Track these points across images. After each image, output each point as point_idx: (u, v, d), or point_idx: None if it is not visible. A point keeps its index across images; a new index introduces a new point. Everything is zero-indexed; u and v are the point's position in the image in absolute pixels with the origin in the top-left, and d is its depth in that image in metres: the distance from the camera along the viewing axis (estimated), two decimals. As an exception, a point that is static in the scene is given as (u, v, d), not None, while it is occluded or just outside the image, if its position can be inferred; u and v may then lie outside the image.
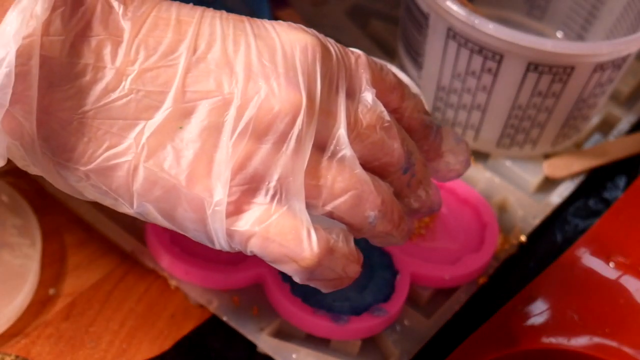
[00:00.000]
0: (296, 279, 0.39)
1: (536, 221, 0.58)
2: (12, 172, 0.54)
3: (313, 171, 0.37)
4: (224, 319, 0.49)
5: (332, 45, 0.39)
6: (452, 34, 0.54)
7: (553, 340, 0.49)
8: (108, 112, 0.35)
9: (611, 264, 0.53)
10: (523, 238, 0.56)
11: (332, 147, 0.38)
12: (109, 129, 0.35)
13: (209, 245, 0.38)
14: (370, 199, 0.39)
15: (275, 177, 0.36)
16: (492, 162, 0.61)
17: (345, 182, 0.38)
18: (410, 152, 0.41)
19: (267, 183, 0.36)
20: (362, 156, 0.39)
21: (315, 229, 0.37)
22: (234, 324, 0.49)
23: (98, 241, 0.52)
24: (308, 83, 0.37)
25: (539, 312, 0.50)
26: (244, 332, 0.49)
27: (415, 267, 0.51)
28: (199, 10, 0.37)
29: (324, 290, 0.40)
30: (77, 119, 0.35)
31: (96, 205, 0.53)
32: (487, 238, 0.54)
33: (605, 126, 0.65)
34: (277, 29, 0.38)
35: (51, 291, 0.50)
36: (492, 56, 0.53)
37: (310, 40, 0.38)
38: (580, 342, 0.49)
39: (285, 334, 0.50)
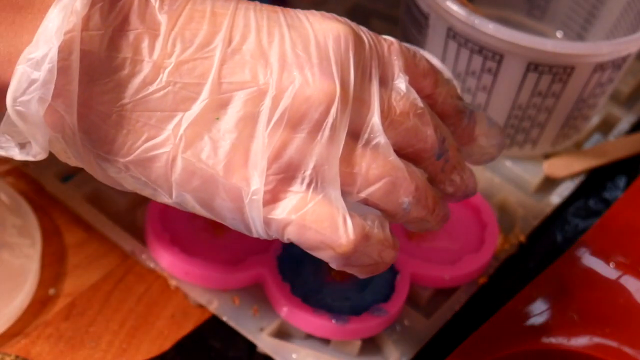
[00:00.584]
0: (333, 265, 0.39)
1: (536, 221, 0.58)
2: (13, 173, 0.54)
3: (347, 159, 0.38)
4: (224, 319, 0.49)
5: (364, 33, 0.40)
6: (452, 34, 0.54)
7: (553, 340, 0.49)
8: (146, 104, 0.36)
9: (611, 264, 0.53)
10: (523, 238, 0.56)
11: (366, 135, 0.39)
12: (148, 121, 0.36)
13: (247, 233, 0.39)
14: (404, 185, 0.39)
15: (311, 165, 0.37)
16: (492, 162, 0.61)
17: (380, 169, 0.38)
18: (444, 138, 0.41)
19: (302, 171, 0.37)
20: (396, 143, 0.39)
21: (351, 216, 0.38)
22: (234, 324, 0.49)
23: (98, 241, 0.52)
24: (341, 72, 0.37)
25: (539, 312, 0.50)
26: (244, 332, 0.49)
27: (415, 267, 0.51)
28: (233, 2, 0.38)
29: (360, 276, 0.40)
30: (116, 112, 0.36)
31: (96, 206, 0.53)
32: (487, 238, 0.54)
33: (605, 126, 0.65)
34: (310, 18, 0.38)
35: (51, 291, 0.50)
36: (492, 56, 0.53)
37: (343, 30, 0.38)
38: (580, 342, 0.49)
39: (285, 334, 0.50)
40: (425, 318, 0.51)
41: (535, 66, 0.53)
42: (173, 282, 0.50)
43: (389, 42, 0.40)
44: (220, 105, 0.36)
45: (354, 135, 0.38)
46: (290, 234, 0.38)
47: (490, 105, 0.57)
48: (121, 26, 0.35)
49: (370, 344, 0.50)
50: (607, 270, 0.53)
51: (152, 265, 0.51)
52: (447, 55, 0.56)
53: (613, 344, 0.49)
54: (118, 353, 0.48)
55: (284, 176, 0.37)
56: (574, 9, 0.65)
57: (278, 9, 0.39)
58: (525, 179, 0.60)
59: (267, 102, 0.36)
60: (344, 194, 0.38)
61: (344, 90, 0.37)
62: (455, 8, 0.52)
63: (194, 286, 0.50)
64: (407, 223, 0.42)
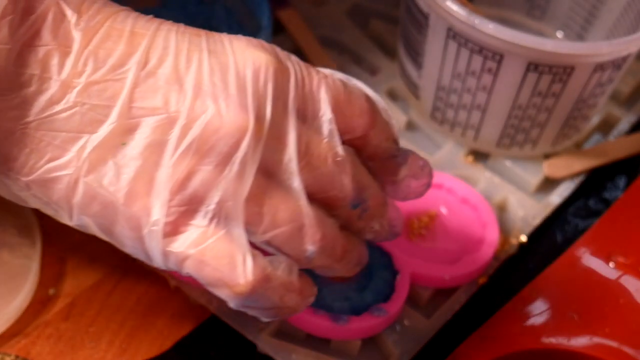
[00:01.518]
0: (231, 305, 0.38)
1: (536, 221, 0.58)
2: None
3: (256, 197, 0.36)
4: (224, 319, 0.49)
5: (293, 64, 0.38)
6: (452, 34, 0.54)
7: (553, 340, 0.49)
8: (51, 124, 0.35)
9: (611, 264, 0.53)
10: (523, 238, 0.56)
11: (279, 175, 0.37)
12: (52, 141, 0.35)
13: (148, 262, 0.38)
14: (310, 233, 0.38)
15: (215, 199, 0.36)
16: (492, 162, 0.61)
17: (287, 212, 0.37)
18: (363, 188, 0.40)
19: (206, 205, 0.36)
20: (309, 186, 0.38)
21: (253, 256, 0.37)
22: (233, 324, 0.49)
23: (98, 241, 0.52)
24: (257, 106, 0.36)
25: (539, 312, 0.50)
26: (244, 332, 0.49)
27: (415, 267, 0.51)
28: (156, 22, 0.37)
29: (262, 319, 0.39)
30: (20, 129, 0.34)
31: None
32: (487, 238, 0.54)
33: (605, 126, 0.65)
34: (234, 45, 0.37)
35: (51, 291, 0.50)
36: (492, 56, 0.53)
37: (265, 60, 0.36)
38: (580, 342, 0.49)
39: (285, 334, 0.50)
40: (425, 318, 0.51)
41: (535, 66, 0.53)
42: (173, 282, 0.50)
43: (321, 77, 0.38)
44: (127, 130, 0.35)
45: (267, 172, 0.37)
46: (189, 269, 0.37)
47: (490, 105, 0.57)
48: (31, 41, 0.34)
49: (370, 344, 0.50)
50: (607, 270, 0.53)
51: (152, 265, 0.51)
52: (447, 55, 0.56)
53: (613, 344, 0.49)
54: (118, 353, 0.48)
55: (187, 208, 0.36)
56: (574, 9, 0.65)
57: (202, 32, 0.37)
58: (525, 179, 0.60)
59: (176, 131, 0.35)
60: (248, 232, 0.37)
61: (258, 125, 0.36)
62: (455, 8, 0.52)
63: (194, 286, 0.50)
64: (312, 269, 0.40)
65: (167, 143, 0.35)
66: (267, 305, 0.38)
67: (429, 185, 0.44)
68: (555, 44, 0.52)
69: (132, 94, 0.35)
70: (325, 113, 0.38)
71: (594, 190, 0.61)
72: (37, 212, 0.51)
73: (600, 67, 0.54)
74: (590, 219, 0.59)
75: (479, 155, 0.61)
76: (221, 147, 0.35)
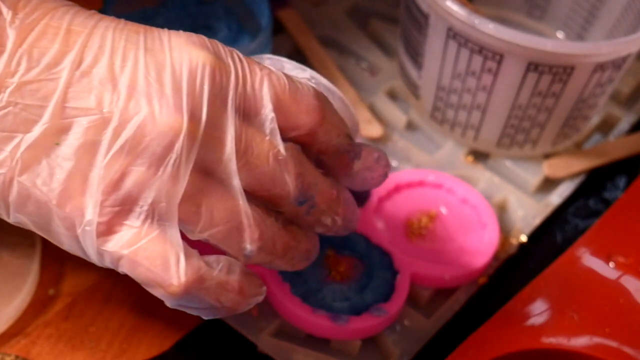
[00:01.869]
0: (167, 304, 0.38)
1: (536, 221, 0.58)
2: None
3: (193, 196, 0.36)
4: (224, 318, 0.49)
5: (234, 62, 0.37)
6: (452, 34, 0.54)
7: (553, 340, 0.49)
8: None
9: (611, 264, 0.53)
10: (523, 238, 0.56)
11: (217, 174, 0.37)
12: None
13: (86, 259, 0.38)
14: (248, 232, 0.38)
15: (149, 200, 0.36)
16: (492, 162, 0.61)
17: (224, 212, 0.37)
18: (309, 186, 0.39)
19: (139, 206, 0.36)
20: (249, 184, 0.38)
21: (189, 256, 0.37)
22: (233, 324, 0.49)
23: (98, 241, 0.52)
24: (192, 106, 0.36)
25: (539, 312, 0.50)
26: (244, 332, 0.49)
27: (415, 267, 0.51)
28: (94, 19, 0.36)
29: (203, 317, 0.39)
30: None
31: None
32: (487, 238, 0.54)
33: (605, 126, 0.65)
34: (172, 42, 0.36)
35: (51, 291, 0.50)
36: (492, 56, 0.53)
37: (203, 59, 0.36)
38: (580, 342, 0.49)
39: (285, 334, 0.50)
40: (425, 318, 0.51)
41: (535, 66, 0.53)
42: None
43: (264, 73, 0.38)
44: (61, 130, 0.35)
45: (206, 171, 0.37)
46: (123, 268, 0.37)
47: (490, 105, 0.57)
48: None
49: (370, 344, 0.50)
50: (607, 270, 0.53)
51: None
52: (447, 55, 0.56)
53: (613, 343, 0.49)
54: (118, 353, 0.48)
55: (121, 209, 0.36)
56: (574, 9, 0.65)
57: (142, 29, 0.37)
58: (525, 179, 0.60)
59: (109, 132, 0.35)
60: (185, 230, 0.37)
61: (192, 125, 0.35)
62: (455, 8, 0.52)
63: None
64: (254, 264, 0.40)
65: (100, 144, 0.35)
66: (202, 305, 0.38)
67: (385, 175, 0.43)
68: (555, 44, 0.52)
69: (66, 94, 0.35)
70: (267, 111, 0.37)
71: (594, 190, 0.61)
72: (37, 212, 0.51)
73: (600, 67, 0.54)
74: (590, 219, 0.59)
75: (479, 155, 0.61)
76: (154, 148, 0.35)
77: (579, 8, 0.64)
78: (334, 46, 0.66)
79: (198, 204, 0.37)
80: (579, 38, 0.65)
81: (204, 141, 0.36)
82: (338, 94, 0.42)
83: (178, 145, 0.35)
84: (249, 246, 0.38)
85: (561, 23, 0.66)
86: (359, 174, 0.42)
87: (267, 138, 0.38)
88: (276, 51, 0.43)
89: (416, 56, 0.59)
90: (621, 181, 0.61)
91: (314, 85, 0.40)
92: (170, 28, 0.58)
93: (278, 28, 0.65)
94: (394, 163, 0.59)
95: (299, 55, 0.64)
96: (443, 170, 0.58)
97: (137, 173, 0.35)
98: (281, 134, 0.38)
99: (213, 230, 0.37)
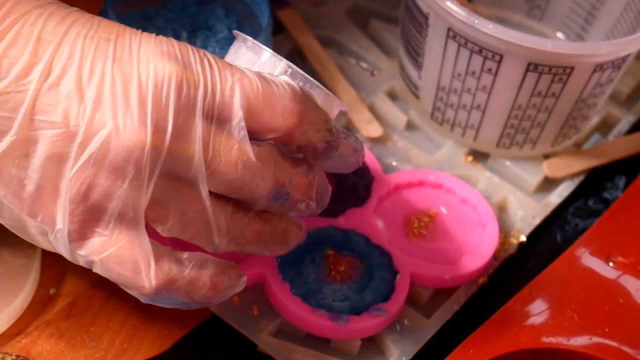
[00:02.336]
0: (142, 301, 0.40)
1: (536, 221, 0.58)
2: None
3: (162, 201, 0.38)
4: (224, 319, 0.49)
5: (203, 70, 0.37)
6: (452, 34, 0.54)
7: (553, 340, 0.49)
8: None
9: (611, 264, 0.53)
10: (523, 238, 0.56)
11: (185, 179, 0.38)
12: None
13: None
14: (215, 230, 0.39)
15: (116, 210, 0.37)
16: (492, 162, 0.61)
17: (193, 214, 0.38)
18: (283, 185, 0.40)
19: (108, 215, 0.37)
20: (219, 190, 0.39)
21: (159, 259, 0.38)
22: (234, 323, 0.49)
23: (98, 241, 0.52)
24: (157, 120, 0.36)
25: (538, 311, 0.50)
26: (244, 331, 0.49)
27: (415, 267, 0.51)
28: (65, 25, 0.36)
29: (179, 308, 0.41)
30: None
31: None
32: (487, 238, 0.54)
33: (605, 126, 0.65)
34: (141, 52, 0.37)
35: (52, 291, 0.50)
36: (492, 56, 0.54)
37: (169, 72, 0.36)
38: (579, 341, 0.49)
39: (285, 333, 0.50)
40: (425, 318, 0.51)
41: (535, 66, 0.53)
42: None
43: (236, 79, 0.38)
44: (29, 142, 0.36)
45: (174, 177, 0.37)
46: (97, 271, 0.39)
47: (490, 105, 0.57)
48: None
49: (370, 343, 0.50)
50: (606, 270, 0.53)
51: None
52: (447, 55, 0.56)
53: (613, 343, 0.49)
54: (119, 352, 0.48)
55: (90, 217, 0.37)
56: (574, 9, 0.65)
57: (113, 34, 0.37)
58: (525, 179, 0.60)
59: (75, 145, 0.36)
60: (156, 228, 0.38)
61: (157, 139, 0.36)
62: (455, 8, 0.53)
63: (194, 286, 0.50)
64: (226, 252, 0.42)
65: (68, 156, 0.36)
66: (175, 301, 0.40)
67: (359, 164, 0.44)
68: (555, 44, 0.52)
69: (34, 107, 0.35)
70: (237, 118, 0.38)
71: (593, 190, 0.61)
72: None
73: (599, 67, 0.54)
74: (590, 218, 0.59)
75: (479, 155, 0.61)
76: (119, 162, 0.36)
77: (579, 8, 0.64)
78: (334, 46, 0.66)
79: (166, 207, 0.38)
80: (578, 38, 0.65)
81: (170, 152, 0.37)
82: (316, 83, 0.42)
83: (142, 159, 0.36)
84: (216, 240, 0.39)
85: (561, 23, 0.66)
86: (334, 161, 0.43)
87: (237, 145, 0.38)
88: (276, 51, 0.42)
89: (416, 56, 0.59)
90: (621, 181, 0.61)
91: (288, 77, 0.40)
92: (170, 28, 0.59)
93: (278, 28, 0.65)
94: (394, 163, 0.59)
95: (299, 55, 0.64)
96: (443, 170, 0.58)
97: (103, 185, 0.36)
98: (257, 137, 0.39)
99: (179, 232, 0.39)
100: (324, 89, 0.42)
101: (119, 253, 0.38)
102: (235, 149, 0.38)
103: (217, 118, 0.37)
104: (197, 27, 0.59)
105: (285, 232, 0.43)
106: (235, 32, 0.43)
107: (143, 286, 0.38)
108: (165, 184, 0.37)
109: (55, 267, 0.51)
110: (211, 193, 0.39)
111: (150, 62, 0.36)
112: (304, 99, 0.40)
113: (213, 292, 0.40)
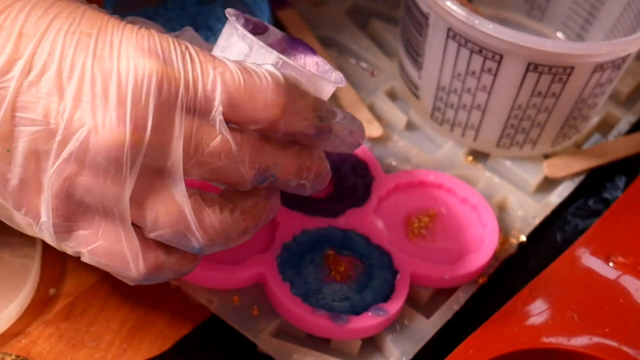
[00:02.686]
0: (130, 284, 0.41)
1: (536, 221, 0.58)
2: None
3: (139, 200, 0.38)
4: (224, 318, 0.49)
5: (184, 65, 0.37)
6: (452, 34, 0.54)
7: (553, 340, 0.49)
8: None
9: (611, 264, 0.53)
10: (523, 238, 0.56)
11: (165, 176, 0.38)
12: None
13: None
14: (194, 233, 0.39)
15: (99, 206, 0.37)
16: (492, 162, 0.61)
17: (169, 216, 0.38)
18: (267, 169, 0.40)
19: (92, 209, 0.38)
20: (203, 178, 0.39)
21: (146, 250, 0.39)
22: (234, 323, 0.49)
23: (98, 241, 0.52)
24: (137, 118, 0.36)
25: (538, 312, 0.50)
26: (244, 331, 0.49)
27: (415, 267, 0.51)
28: (48, 18, 0.37)
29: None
30: None
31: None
32: (487, 238, 0.54)
33: (605, 126, 0.65)
34: (122, 49, 0.37)
35: (52, 291, 0.50)
36: (492, 56, 0.54)
37: (150, 68, 0.36)
38: (579, 341, 0.49)
39: (285, 333, 0.50)
40: (425, 318, 0.51)
41: (535, 66, 0.53)
42: (173, 282, 0.51)
43: (218, 73, 0.38)
44: (11, 137, 0.36)
45: (154, 175, 0.38)
46: (84, 260, 0.39)
47: (490, 105, 0.57)
48: None
49: (370, 343, 0.50)
50: (606, 270, 0.53)
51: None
52: (447, 55, 0.56)
53: (613, 343, 0.49)
54: (119, 352, 0.48)
55: (75, 211, 0.38)
56: (574, 9, 0.65)
57: (95, 29, 0.37)
58: (525, 179, 0.60)
59: (55, 143, 0.36)
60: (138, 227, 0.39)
61: (136, 137, 0.36)
62: (455, 8, 0.53)
63: (194, 286, 0.50)
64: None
65: (49, 152, 0.36)
66: (163, 280, 0.41)
67: (358, 144, 0.44)
68: (555, 44, 0.52)
69: (15, 104, 0.36)
70: (218, 112, 0.38)
71: (593, 190, 0.61)
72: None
73: (599, 67, 0.54)
74: (590, 218, 0.59)
75: (479, 155, 0.61)
76: (98, 161, 0.36)
77: (579, 8, 0.64)
78: (334, 46, 0.66)
79: (143, 208, 0.38)
80: (578, 38, 0.65)
81: (150, 148, 0.37)
82: (308, 73, 0.41)
83: (122, 157, 0.36)
84: (195, 245, 0.40)
85: (561, 23, 0.66)
86: (331, 142, 0.43)
87: (219, 137, 0.38)
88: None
89: (416, 56, 0.59)
90: (621, 181, 0.61)
91: (278, 71, 0.40)
92: (170, 28, 0.59)
93: (278, 28, 0.65)
94: (394, 163, 0.59)
95: (299, 55, 0.64)
96: (443, 170, 0.58)
97: (85, 182, 0.37)
98: (240, 127, 0.39)
99: (159, 232, 0.39)
100: (316, 73, 0.42)
101: (106, 246, 0.38)
102: (218, 140, 0.38)
103: (199, 111, 0.38)
104: (197, 27, 0.59)
105: (268, 214, 0.43)
106: (228, 11, 0.43)
107: (132, 275, 0.39)
108: (143, 181, 0.38)
109: (55, 267, 0.51)
110: (193, 194, 0.39)
111: (130, 58, 0.37)
112: (288, 90, 0.39)
113: (196, 263, 0.42)
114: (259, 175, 0.40)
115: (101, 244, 0.38)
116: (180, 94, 0.37)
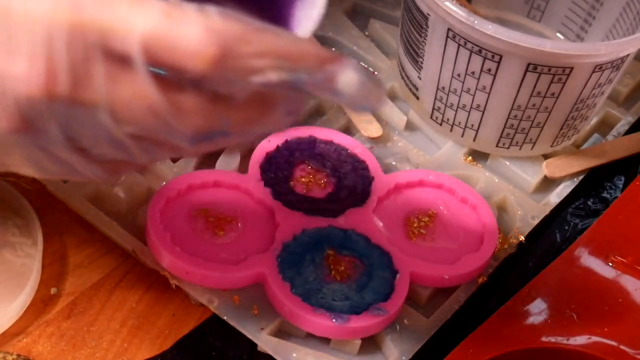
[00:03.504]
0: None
1: (535, 221, 0.58)
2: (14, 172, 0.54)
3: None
4: (225, 318, 0.49)
5: (102, 13, 0.33)
6: (452, 34, 0.54)
7: (552, 339, 0.49)
8: None
9: (610, 264, 0.53)
10: (522, 238, 0.57)
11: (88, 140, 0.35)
12: None
13: None
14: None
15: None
16: (491, 162, 0.61)
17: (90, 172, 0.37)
18: (211, 127, 0.35)
19: None
20: (138, 134, 0.35)
21: None
22: (234, 323, 0.49)
23: (99, 241, 0.52)
24: (49, 68, 0.33)
25: (538, 311, 0.50)
26: (244, 331, 0.49)
27: (415, 267, 0.52)
28: None
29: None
30: None
31: (97, 205, 0.53)
32: (486, 238, 0.54)
33: (604, 126, 0.65)
34: None
35: (52, 290, 0.50)
36: (492, 56, 0.54)
37: (60, 15, 0.33)
38: (579, 341, 0.49)
39: (285, 333, 0.50)
40: (425, 317, 0.51)
41: (535, 66, 0.53)
42: (174, 282, 0.51)
43: (135, 19, 0.33)
44: None
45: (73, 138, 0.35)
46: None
47: (490, 106, 0.57)
48: None
49: (370, 343, 0.50)
50: (605, 269, 0.53)
51: (152, 264, 0.51)
52: (446, 55, 0.56)
53: (612, 342, 0.49)
54: (119, 352, 0.48)
55: None
56: (573, 9, 0.65)
57: None
58: (524, 179, 0.60)
59: None
60: None
61: (48, 90, 0.33)
62: (455, 9, 0.53)
63: (195, 286, 0.50)
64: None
65: None
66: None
67: (379, 97, 0.37)
68: (554, 44, 0.53)
69: None
70: (138, 62, 0.33)
71: (592, 190, 0.61)
72: (39, 212, 0.52)
73: (599, 67, 0.54)
74: (589, 218, 0.59)
75: (479, 156, 0.61)
76: (12, 114, 0.34)
77: (578, 9, 0.64)
78: (334, 46, 0.66)
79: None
80: (578, 39, 0.65)
81: (69, 103, 0.34)
82: (265, 26, 0.35)
83: (39, 109, 0.34)
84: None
85: (560, 24, 0.66)
86: (323, 93, 0.37)
87: (144, 93, 0.34)
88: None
89: (416, 56, 0.59)
90: (620, 181, 0.62)
91: (214, 13, 0.34)
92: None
93: (278, 28, 0.65)
94: (394, 163, 0.59)
95: (299, 56, 0.64)
96: (442, 170, 0.59)
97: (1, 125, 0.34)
98: (175, 76, 0.34)
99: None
100: (273, 26, 0.36)
101: None
102: (143, 96, 0.34)
103: (120, 61, 0.34)
104: None
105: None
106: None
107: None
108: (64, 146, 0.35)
109: (56, 266, 0.51)
110: None
111: (37, 10, 0.33)
112: (222, 39, 0.33)
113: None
114: (202, 136, 0.35)
115: None
116: (96, 42, 0.33)
